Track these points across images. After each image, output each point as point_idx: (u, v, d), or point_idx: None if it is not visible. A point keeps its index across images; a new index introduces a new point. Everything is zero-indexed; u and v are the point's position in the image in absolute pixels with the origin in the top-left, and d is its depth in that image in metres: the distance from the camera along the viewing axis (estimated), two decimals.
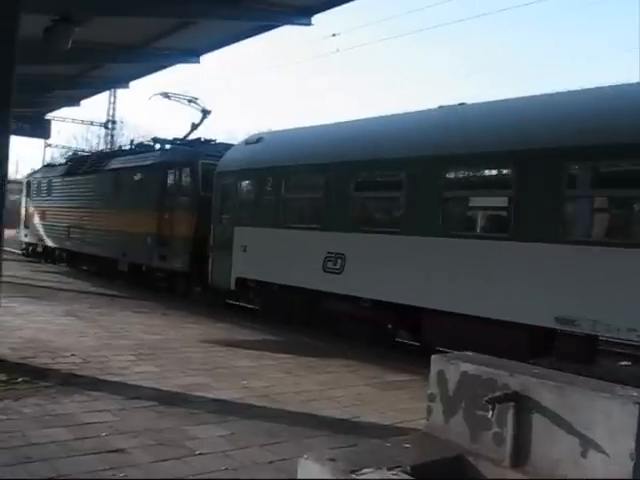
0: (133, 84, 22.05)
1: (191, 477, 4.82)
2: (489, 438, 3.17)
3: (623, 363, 11.06)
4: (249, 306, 15.82)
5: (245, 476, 4.94)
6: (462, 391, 3.32)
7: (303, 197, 13.92)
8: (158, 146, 20.17)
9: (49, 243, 26.67)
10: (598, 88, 9.20)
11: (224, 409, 6.70)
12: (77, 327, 10.98)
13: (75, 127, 63.09)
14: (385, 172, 11.76)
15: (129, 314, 13.11)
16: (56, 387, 7.02)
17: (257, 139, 15.11)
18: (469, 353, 3.65)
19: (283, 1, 12.93)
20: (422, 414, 6.64)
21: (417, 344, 11.60)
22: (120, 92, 56.63)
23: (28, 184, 29.97)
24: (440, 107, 11.59)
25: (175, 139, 19.96)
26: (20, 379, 7.18)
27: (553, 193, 8.76)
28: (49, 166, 30.53)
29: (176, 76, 26.07)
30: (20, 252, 29.64)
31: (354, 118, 13.37)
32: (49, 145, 56.15)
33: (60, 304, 13.68)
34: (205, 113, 19.59)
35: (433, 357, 3.60)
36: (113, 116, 61.84)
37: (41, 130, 22.75)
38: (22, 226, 29.77)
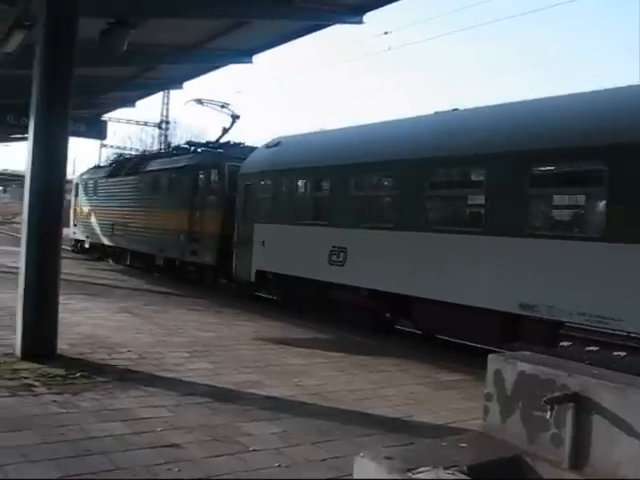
0: (186, 84, 22.34)
1: (244, 473, 4.87)
2: (547, 439, 3.12)
3: (589, 349, 12.08)
4: (269, 297, 16.64)
5: (299, 474, 4.95)
6: (519, 391, 3.27)
7: (312, 196, 14.87)
8: (192, 149, 21.52)
9: (95, 240, 28.12)
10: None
11: (277, 406, 6.74)
12: (133, 324, 11.19)
13: (130, 127, 64.20)
14: (378, 173, 13.13)
15: (183, 311, 13.28)
16: (113, 382, 7.16)
17: (276, 143, 16.36)
18: (526, 352, 3.60)
19: (335, 0, 12.94)
20: (475, 414, 6.63)
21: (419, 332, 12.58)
22: (173, 92, 57.51)
23: (77, 185, 31.46)
24: (435, 113, 12.54)
25: (208, 142, 21.42)
26: (78, 374, 7.34)
27: (516, 192, 9.68)
28: (96, 168, 31.75)
29: (228, 76, 26.32)
30: (70, 249, 30.78)
31: (357, 124, 14.83)
32: (104, 145, 57.34)
33: (116, 301, 13.95)
34: (235, 118, 20.53)
35: (490, 356, 3.55)
36: (167, 116, 62.74)
37: (97, 131, 23.21)
38: (72, 224, 31.21)
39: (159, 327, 11.04)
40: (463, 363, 9.68)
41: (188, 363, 8.45)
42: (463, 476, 2.62)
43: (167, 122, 63.06)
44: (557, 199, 10.40)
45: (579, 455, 3.01)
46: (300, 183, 15.05)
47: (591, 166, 9.14)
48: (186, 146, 22.53)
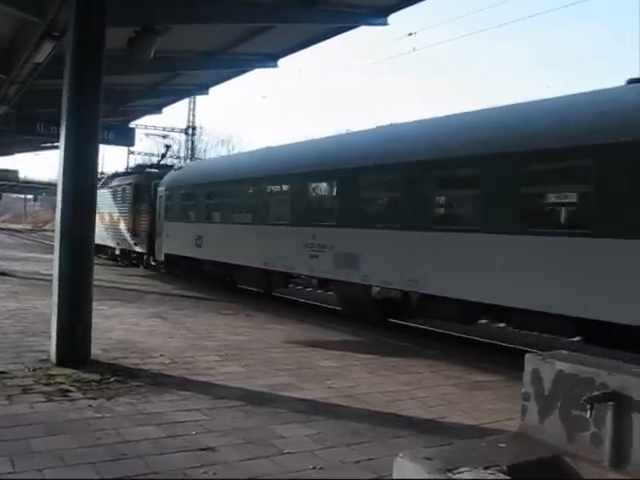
0: (212, 90, 22.48)
1: (279, 476, 4.88)
2: (587, 438, 3.08)
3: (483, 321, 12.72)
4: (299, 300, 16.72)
5: (334, 476, 4.96)
6: (558, 390, 3.23)
7: (188, 204, 22.04)
8: (140, 169, 30.90)
9: None
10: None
11: (310, 409, 6.74)
12: (164, 328, 11.28)
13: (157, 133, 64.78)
14: (221, 187, 19.63)
15: (213, 315, 13.37)
16: (146, 386, 7.22)
17: (179, 168, 26.16)
18: (564, 352, 3.56)
19: (359, 2, 12.94)
20: (508, 415, 6.60)
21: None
22: (199, 98, 57.94)
23: None
24: (378, 127, 14.72)
25: (152, 164, 32.09)
26: (112, 379, 7.43)
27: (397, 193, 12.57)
28: None
29: (253, 79, 26.75)
30: None
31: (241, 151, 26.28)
32: (132, 152, 58.00)
33: (146, 306, 14.09)
34: (168, 147, 37.29)
35: (527, 356, 3.52)
36: (193, 122, 63.20)
37: (125, 138, 23.33)
38: None
39: (190, 331, 11.12)
40: (494, 363, 9.63)
41: (220, 367, 8.50)
42: (503, 476, 2.60)
43: (194, 128, 63.50)
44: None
45: (620, 454, 2.97)
46: (184, 195, 22.37)
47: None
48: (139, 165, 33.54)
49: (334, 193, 14.49)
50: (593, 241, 8.84)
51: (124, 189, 27.94)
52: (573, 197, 9.94)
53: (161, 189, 24.09)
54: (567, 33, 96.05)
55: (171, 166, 28.63)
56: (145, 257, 26.69)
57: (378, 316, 13.60)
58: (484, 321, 12.47)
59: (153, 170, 28.43)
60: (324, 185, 15.00)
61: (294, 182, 15.38)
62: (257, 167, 17.88)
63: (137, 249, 26.75)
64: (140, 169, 30.66)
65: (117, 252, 29.30)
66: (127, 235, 27.30)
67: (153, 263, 25.90)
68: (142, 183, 26.56)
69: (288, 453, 5.38)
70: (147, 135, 52.10)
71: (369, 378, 8.39)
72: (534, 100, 10.97)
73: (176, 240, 22.31)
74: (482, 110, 12.12)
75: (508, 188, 10.00)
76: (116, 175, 32.97)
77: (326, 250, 13.83)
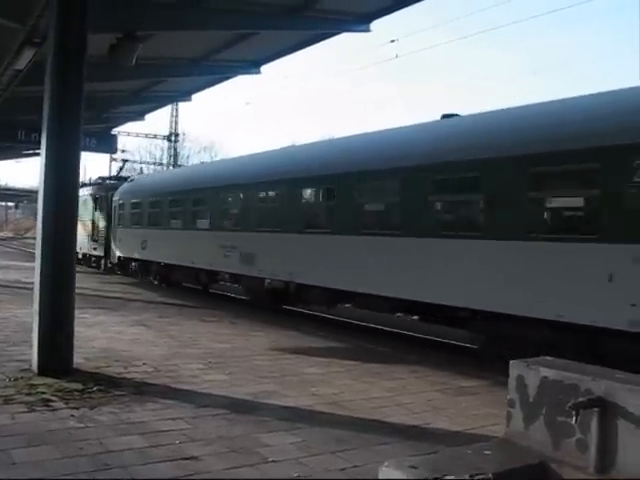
0: (195, 96, 22.44)
1: None
2: (572, 445, 3.08)
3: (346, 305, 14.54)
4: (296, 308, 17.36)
5: None
6: (543, 397, 3.23)
7: (136, 212, 24.52)
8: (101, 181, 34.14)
9: None
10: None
11: (294, 416, 6.71)
12: (147, 337, 11.20)
13: (139, 140, 64.54)
14: (161, 198, 22.60)
15: (197, 323, 13.30)
16: (130, 395, 7.15)
17: (131, 180, 30.34)
18: (548, 358, 3.56)
19: (341, 9, 12.98)
20: (494, 420, 6.61)
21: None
22: (182, 105, 57.79)
23: None
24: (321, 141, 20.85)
25: (112, 177, 35.81)
26: (95, 388, 7.35)
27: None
28: None
29: (237, 86, 26.72)
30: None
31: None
32: (115, 159, 57.67)
33: (130, 314, 13.99)
34: (124, 161, 44.66)
35: (512, 362, 3.51)
36: (175, 129, 63.01)
37: (107, 145, 23.35)
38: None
39: (174, 339, 11.05)
40: (478, 369, 9.64)
41: (204, 375, 8.45)
42: None
43: (176, 134, 63.30)
44: None
45: (605, 460, 2.97)
46: (133, 204, 25.08)
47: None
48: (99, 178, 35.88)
49: (239, 203, 17.89)
50: (400, 240, 11.73)
51: (85, 199, 29.43)
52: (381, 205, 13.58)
53: (115, 199, 26.93)
54: (560, 37, 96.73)
55: (126, 178, 32.58)
56: (102, 260, 29.53)
57: (271, 303, 16.66)
58: (347, 305, 14.64)
59: (112, 182, 32.02)
60: (232, 197, 18.27)
61: (211, 195, 18.69)
62: (185, 182, 21.74)
63: (95, 253, 29.93)
64: (100, 181, 34.26)
65: (80, 256, 30.64)
66: (88, 240, 30.07)
67: (109, 265, 28.71)
68: (100, 194, 29.64)
69: (273, 461, 5.34)
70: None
71: (353, 385, 8.37)
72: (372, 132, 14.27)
73: (127, 244, 25.37)
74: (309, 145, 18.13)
75: (349, 203, 13.12)
76: (81, 185, 35.20)
77: (235, 250, 16.85)
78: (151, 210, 23.12)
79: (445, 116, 12.60)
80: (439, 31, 78.91)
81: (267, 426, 6.33)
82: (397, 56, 22.05)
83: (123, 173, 39.83)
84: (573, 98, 10.01)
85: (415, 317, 12.76)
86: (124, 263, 26.11)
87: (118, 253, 26.27)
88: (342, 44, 78.92)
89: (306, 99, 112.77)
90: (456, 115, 12.47)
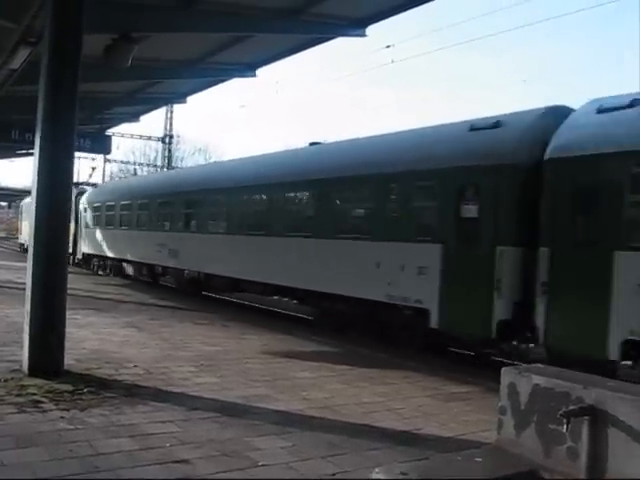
0: (190, 98, 22.42)
1: None
2: (563, 453, 3.07)
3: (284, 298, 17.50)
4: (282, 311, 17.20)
5: None
6: (534, 404, 3.22)
7: (96, 214, 28.50)
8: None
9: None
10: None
11: (285, 420, 6.70)
12: (139, 338, 11.17)
13: (134, 142, 64.36)
14: (121, 205, 26.14)
15: (189, 325, 13.27)
16: (120, 398, 7.13)
17: (95, 186, 35.04)
18: (540, 365, 3.56)
19: (337, 13, 13.01)
20: (484, 426, 6.61)
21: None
22: (177, 107, 57.64)
23: (21, 206, 48.19)
24: (202, 165, 30.72)
25: (84, 182, 41.18)
26: (85, 389, 7.32)
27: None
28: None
29: (232, 89, 26.76)
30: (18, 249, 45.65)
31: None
32: (109, 160, 57.58)
33: (121, 316, 13.94)
34: (93, 169, 46.96)
35: (504, 369, 3.51)
36: (170, 130, 62.86)
37: (102, 146, 23.24)
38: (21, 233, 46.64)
39: (165, 342, 11.02)
40: (470, 374, 9.65)
41: (195, 377, 8.43)
42: None
43: (171, 136, 63.17)
44: None
45: (596, 469, 2.97)
46: (94, 208, 29.00)
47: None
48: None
49: (167, 210, 22.11)
50: (265, 239, 16.01)
51: None
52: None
53: (82, 202, 30.44)
54: (550, 45, 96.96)
55: (94, 184, 37.51)
56: (70, 256, 30.50)
57: (191, 289, 20.59)
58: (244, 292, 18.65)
59: (81, 187, 35.13)
60: (163, 204, 22.39)
61: (149, 202, 23.36)
62: (131, 191, 26.77)
63: None
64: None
65: None
66: None
67: (76, 261, 31.15)
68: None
69: (263, 465, 5.33)
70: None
71: (345, 389, 8.36)
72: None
73: (89, 242, 29.44)
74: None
75: (237, 211, 17.72)
76: None
77: (165, 247, 21.11)
78: (107, 213, 27.32)
79: (312, 143, 17.65)
80: (434, 37, 79.02)
81: (258, 430, 6.31)
82: (393, 61, 22.25)
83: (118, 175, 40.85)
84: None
85: (294, 301, 16.53)
86: (87, 259, 30.34)
87: (82, 250, 30.41)
88: (338, 49, 78.91)
89: (300, 103, 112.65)
90: (319, 143, 17.64)
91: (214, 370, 8.94)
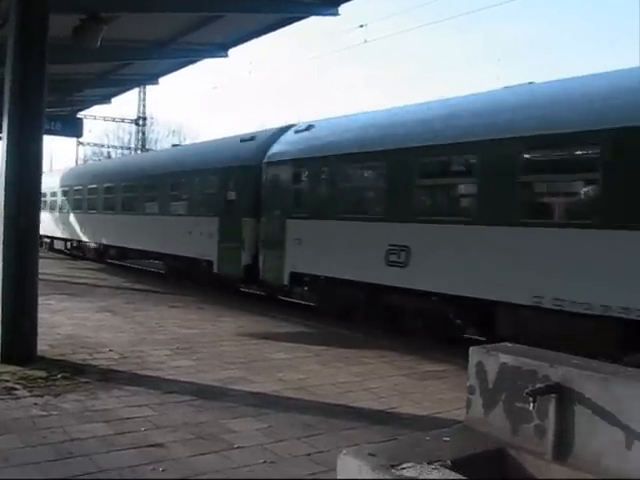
0: (162, 80, 22.13)
1: (229, 471, 4.84)
2: (530, 431, 3.11)
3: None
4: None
5: (284, 471, 4.94)
6: (502, 383, 3.25)
7: (53, 200, 32.15)
8: None
9: None
10: None
11: (261, 402, 6.72)
12: (114, 323, 11.11)
13: (107, 124, 63.58)
14: (87, 188, 28.24)
15: (164, 309, 13.23)
16: (95, 383, 7.10)
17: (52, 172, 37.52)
18: (508, 344, 3.59)
19: None
20: (460, 404, 6.64)
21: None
22: (150, 88, 57.03)
23: None
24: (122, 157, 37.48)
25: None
26: (59, 375, 7.28)
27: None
28: None
29: (205, 69, 26.50)
30: None
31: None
32: (81, 143, 56.89)
33: (96, 300, 13.85)
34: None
35: (472, 348, 3.53)
36: (143, 112, 62.12)
37: (73, 129, 22.94)
38: None
39: (140, 325, 10.98)
40: (446, 353, 9.72)
41: (170, 361, 8.41)
42: (447, 471, 2.61)
43: (144, 118, 62.48)
44: None
45: (562, 446, 3.00)
46: (51, 193, 31.59)
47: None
48: None
49: (88, 195, 26.89)
50: (132, 217, 22.36)
51: None
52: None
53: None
54: (525, 24, 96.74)
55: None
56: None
57: (99, 258, 26.06)
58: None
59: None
60: (76, 192, 28.30)
61: (74, 190, 28.84)
62: (60, 181, 31.10)
63: None
64: None
65: None
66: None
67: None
68: None
69: (239, 447, 5.35)
70: None
71: (321, 370, 8.40)
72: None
73: (48, 225, 30.10)
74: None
75: (120, 196, 23.57)
76: None
77: (88, 226, 26.48)
78: (51, 199, 31.68)
79: (174, 145, 24.36)
80: (407, 17, 78.40)
81: (233, 412, 6.33)
82: (366, 41, 21.93)
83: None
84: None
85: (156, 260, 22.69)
86: (48, 242, 32.87)
87: (42, 232, 32.76)
88: (312, 29, 78.33)
89: (274, 84, 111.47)
90: (179, 145, 25.36)
91: (190, 353, 8.93)
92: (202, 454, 5.15)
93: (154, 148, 60.68)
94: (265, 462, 5.05)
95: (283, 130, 15.76)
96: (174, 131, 72.99)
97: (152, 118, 66.06)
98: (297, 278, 13.85)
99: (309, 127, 14.50)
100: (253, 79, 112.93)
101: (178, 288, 17.52)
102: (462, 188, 11.06)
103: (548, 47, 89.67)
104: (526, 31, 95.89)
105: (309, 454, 5.30)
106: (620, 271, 8.00)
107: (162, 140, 69.48)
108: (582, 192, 9.23)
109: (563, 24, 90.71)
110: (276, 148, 14.99)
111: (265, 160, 15.00)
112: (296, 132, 14.93)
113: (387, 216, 11.46)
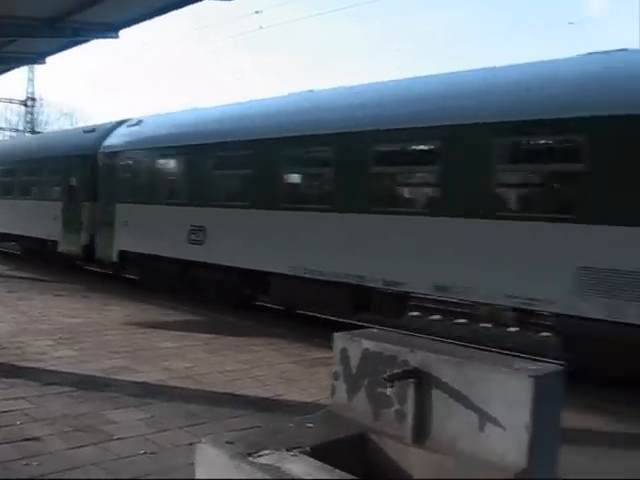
0: (51, 60, 21.24)
1: (107, 463, 4.78)
2: (391, 415, 3.22)
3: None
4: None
5: (163, 461, 4.92)
6: (364, 369, 3.35)
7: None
8: None
9: None
10: None
11: (145, 392, 6.66)
12: None
13: None
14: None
15: (49, 297, 12.86)
16: None
17: None
18: (374, 330, 3.70)
19: None
20: None
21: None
22: (40, 68, 54.64)
23: None
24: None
25: None
26: None
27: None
28: None
29: (97, 50, 25.64)
30: None
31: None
32: None
33: None
34: None
35: (336, 335, 3.62)
36: (32, 93, 59.49)
37: None
38: None
39: (23, 315, 10.62)
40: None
41: (52, 351, 8.20)
42: (305, 457, 2.67)
43: (33, 99, 59.83)
44: None
45: (421, 430, 3.13)
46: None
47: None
48: None
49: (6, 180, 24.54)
50: (21, 202, 21.71)
51: None
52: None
53: None
54: (428, 16, 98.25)
55: None
56: None
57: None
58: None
59: None
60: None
61: None
62: None
63: None
64: None
65: None
66: None
67: None
68: None
69: (119, 439, 5.29)
70: None
71: (209, 358, 8.39)
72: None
73: None
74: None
75: (31, 182, 21.86)
76: None
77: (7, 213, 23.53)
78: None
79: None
80: (304, 5, 78.33)
81: (115, 403, 6.24)
82: (261, 27, 21.94)
83: None
84: None
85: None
86: None
87: None
88: (206, 13, 77.03)
89: (168, 67, 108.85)
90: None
91: (73, 343, 8.73)
92: (80, 447, 5.07)
93: (43, 131, 58.23)
94: (145, 453, 5.03)
95: (119, 123, 17.61)
96: (66, 114, 70.29)
97: (42, 99, 63.42)
98: (125, 256, 15.88)
99: (139, 122, 16.53)
100: (147, 62, 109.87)
101: (64, 277, 16.99)
102: (241, 180, 13.33)
103: (457, 38, 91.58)
104: (427, 22, 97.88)
105: (191, 443, 5.26)
106: (350, 246, 10.35)
107: (53, 123, 66.80)
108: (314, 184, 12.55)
109: (471, 16, 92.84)
110: (110, 140, 17.04)
111: (100, 150, 17.06)
112: (128, 126, 16.91)
113: (189, 201, 13.92)
